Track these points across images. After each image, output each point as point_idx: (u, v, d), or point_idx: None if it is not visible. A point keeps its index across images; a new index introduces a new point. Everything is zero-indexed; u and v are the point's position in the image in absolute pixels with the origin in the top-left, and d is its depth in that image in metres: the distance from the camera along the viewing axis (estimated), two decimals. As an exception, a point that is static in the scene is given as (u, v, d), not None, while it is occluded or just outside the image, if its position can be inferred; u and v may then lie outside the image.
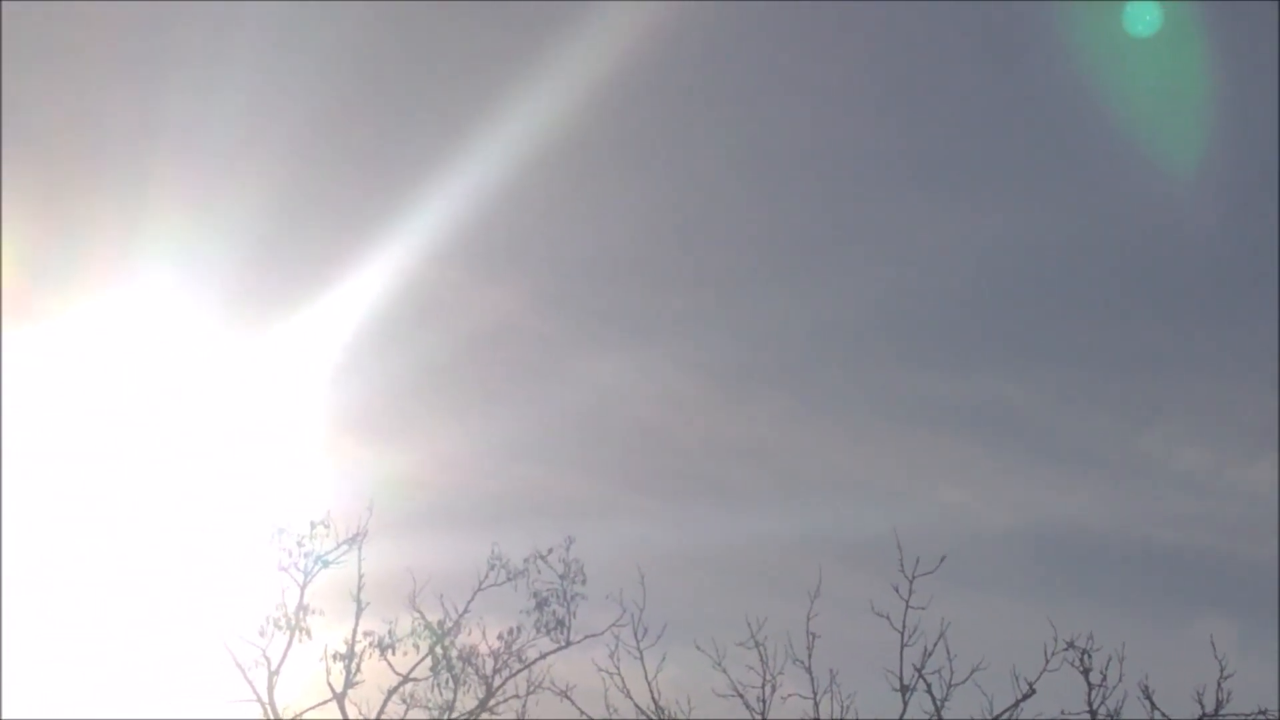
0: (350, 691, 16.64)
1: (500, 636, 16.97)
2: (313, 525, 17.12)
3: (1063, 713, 14.78)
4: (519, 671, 16.78)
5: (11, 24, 21.33)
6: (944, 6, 21.14)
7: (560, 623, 17.13)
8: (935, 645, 14.92)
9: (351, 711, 16.44)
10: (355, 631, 16.64)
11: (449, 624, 16.90)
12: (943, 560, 15.01)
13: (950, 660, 14.90)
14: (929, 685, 14.93)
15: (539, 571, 17.11)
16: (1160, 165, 19.00)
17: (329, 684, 16.56)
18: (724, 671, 15.47)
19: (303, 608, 16.79)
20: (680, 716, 15.41)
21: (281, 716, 16.52)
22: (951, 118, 20.54)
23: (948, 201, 21.01)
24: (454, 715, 16.58)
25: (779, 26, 21.54)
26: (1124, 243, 20.53)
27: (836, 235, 21.16)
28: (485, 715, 16.69)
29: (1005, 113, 20.57)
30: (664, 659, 15.95)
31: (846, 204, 21.19)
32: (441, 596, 16.73)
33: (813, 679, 15.43)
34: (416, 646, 16.74)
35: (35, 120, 21.36)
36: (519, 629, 17.05)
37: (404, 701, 16.71)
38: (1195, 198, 19.33)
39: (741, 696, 15.54)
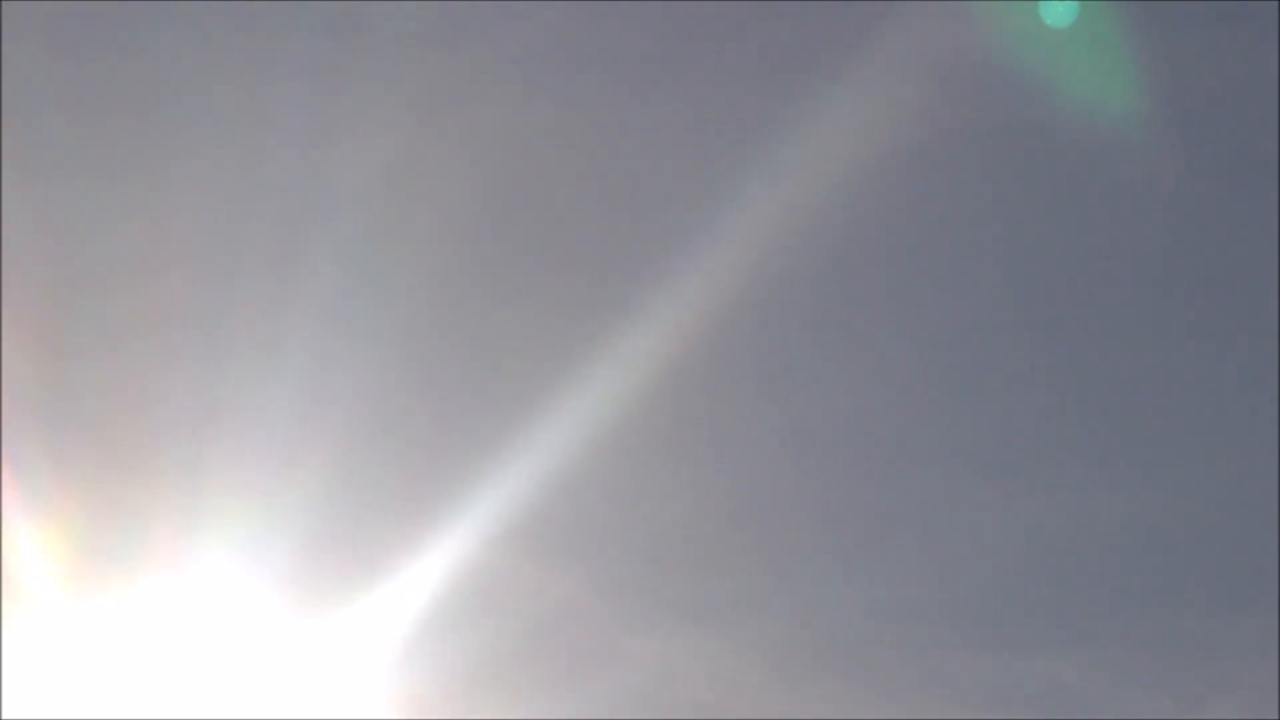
0: None
1: None
2: (376, 813, 17.36)
3: None
4: None
5: (66, 311, 21.96)
6: (987, 292, 21.77)
7: None
8: None
9: None
10: None
11: None
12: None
13: None
14: None
15: None
16: (1227, 457, 19.39)
17: None
18: None
19: None
20: None
21: None
22: (1006, 400, 20.99)
23: (1000, 481, 21.30)
24: None
25: (826, 314, 22.16)
26: (1183, 526, 20.78)
27: (888, 515, 21.43)
28: None
29: (1061, 394, 21.05)
30: None
31: (897, 484, 21.49)
32: None
33: None
34: None
35: (91, 405, 21.83)
36: None
37: None
38: (1262, 494, 19.69)
39: None
